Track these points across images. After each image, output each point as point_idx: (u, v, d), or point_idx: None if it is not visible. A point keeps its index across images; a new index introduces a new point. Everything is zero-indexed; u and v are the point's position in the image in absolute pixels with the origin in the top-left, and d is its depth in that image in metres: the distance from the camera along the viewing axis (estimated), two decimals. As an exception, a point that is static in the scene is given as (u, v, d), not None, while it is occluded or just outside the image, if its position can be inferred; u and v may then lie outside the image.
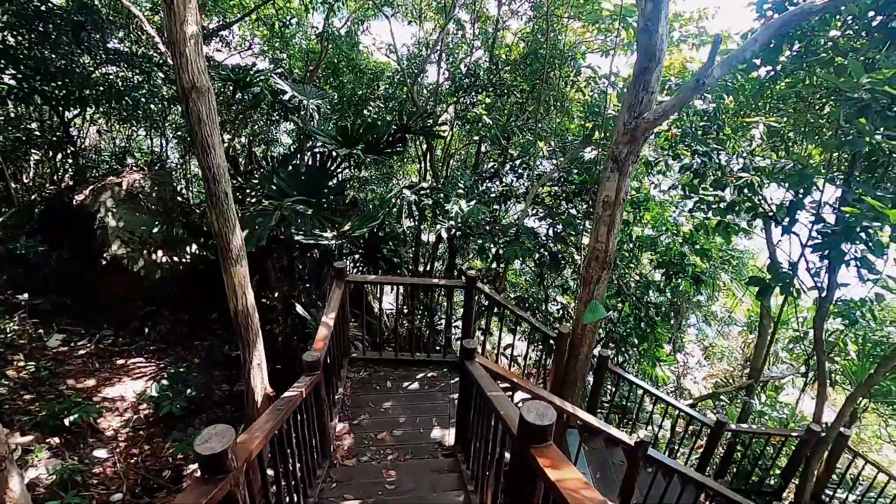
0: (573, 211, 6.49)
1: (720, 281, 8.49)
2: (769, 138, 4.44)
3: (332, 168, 6.70)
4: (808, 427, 4.98)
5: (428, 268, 9.57)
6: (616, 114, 5.33)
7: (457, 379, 4.74)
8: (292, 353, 6.37)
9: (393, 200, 6.06)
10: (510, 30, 8.99)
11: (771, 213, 4.70)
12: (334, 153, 6.33)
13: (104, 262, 6.84)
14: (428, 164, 9.46)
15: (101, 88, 7.25)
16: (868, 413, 6.86)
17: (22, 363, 6.11)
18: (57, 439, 5.29)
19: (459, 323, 9.21)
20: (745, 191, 3.98)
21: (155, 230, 7.34)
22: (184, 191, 9.68)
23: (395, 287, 7.94)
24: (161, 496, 5.02)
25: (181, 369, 6.63)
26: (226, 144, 10.77)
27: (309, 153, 7.33)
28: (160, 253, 7.36)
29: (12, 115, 8.74)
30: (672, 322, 7.42)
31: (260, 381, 3.14)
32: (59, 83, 6.83)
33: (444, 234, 5.41)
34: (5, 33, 6.61)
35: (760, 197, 4.42)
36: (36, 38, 6.73)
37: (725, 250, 8.53)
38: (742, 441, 5.48)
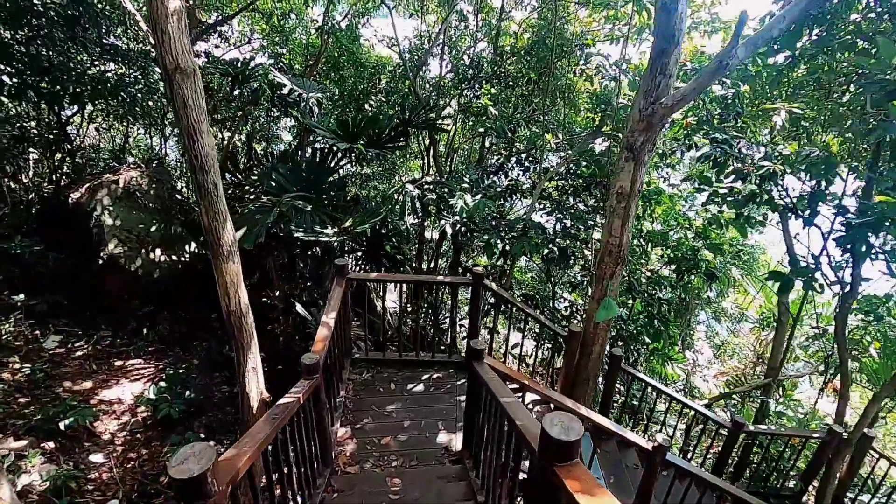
0: (581, 206, 6.28)
1: (732, 276, 8.26)
2: (791, 126, 4.23)
3: (333, 163, 6.52)
4: (830, 428, 4.77)
5: (431, 265, 9.39)
6: (627, 102, 5.13)
7: (463, 380, 4.55)
8: (294, 353, 6.21)
9: (395, 196, 5.87)
10: (514, 20, 8.77)
11: (791, 205, 4.48)
12: (335, 148, 6.15)
13: (101, 262, 6.68)
14: (431, 159, 9.26)
15: (97, 85, 7.09)
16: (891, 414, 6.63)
17: (17, 365, 5.97)
18: (52, 444, 5.14)
19: (464, 321, 9.05)
20: (768, 181, 3.76)
21: (153, 228, 7.18)
22: (183, 188, 9.51)
23: (398, 285, 7.76)
24: (158, 502, 4.87)
25: (180, 371, 6.48)
26: (225, 142, 10.62)
27: (309, 148, 7.15)
28: (158, 252, 7.21)
29: (11, 112, 8.61)
30: (681, 319, 7.20)
31: (255, 386, 2.96)
32: (53, 79, 6.67)
33: (449, 230, 5.22)
34: (-3, 28, 6.45)
35: (781, 187, 4.21)
36: (29, 32, 6.56)
37: (736, 245, 8.30)
38: (760, 442, 5.28)
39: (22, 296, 6.61)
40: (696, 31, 6.27)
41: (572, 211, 5.99)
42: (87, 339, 6.70)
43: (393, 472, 3.41)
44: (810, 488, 5.23)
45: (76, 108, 8.44)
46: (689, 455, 5.48)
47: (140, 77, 7.59)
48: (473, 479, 3.20)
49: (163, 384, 6.03)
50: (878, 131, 3.33)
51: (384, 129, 6.30)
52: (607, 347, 4.63)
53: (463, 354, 5.07)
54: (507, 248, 5.18)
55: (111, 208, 6.85)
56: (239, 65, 6.91)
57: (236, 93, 8.14)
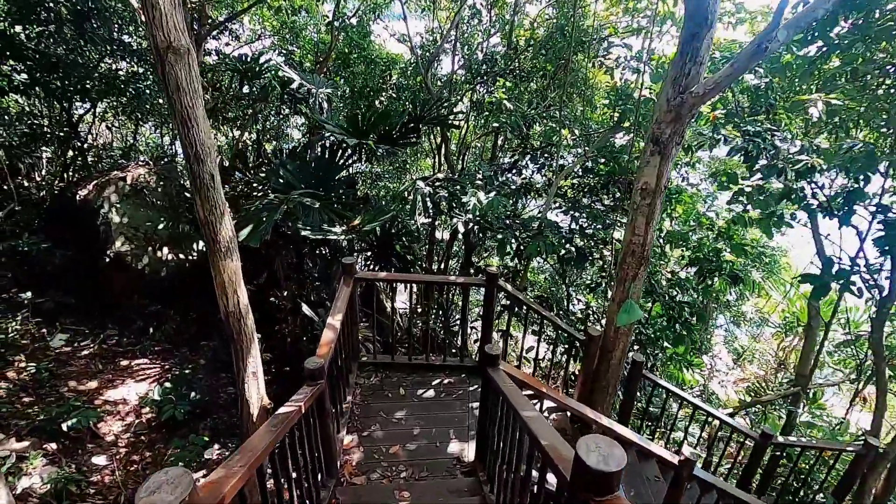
0: (598, 205, 6.04)
1: (754, 279, 7.93)
2: (829, 118, 3.96)
3: (342, 160, 6.36)
4: (866, 440, 4.47)
5: (442, 266, 9.20)
6: (650, 95, 4.89)
7: (475, 386, 4.35)
8: (301, 355, 6.07)
9: (406, 194, 5.68)
10: (528, 15, 8.56)
11: (825, 203, 4.21)
12: (344, 144, 5.98)
13: (107, 259, 6.60)
14: (442, 157, 9.08)
15: (106, 81, 7.03)
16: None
17: (23, 364, 5.90)
18: (54, 445, 5.04)
19: (476, 324, 8.85)
20: (804, 177, 3.50)
21: (160, 226, 7.08)
22: (192, 186, 9.43)
23: (408, 285, 7.57)
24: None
25: (186, 371, 6.37)
26: (235, 140, 10.54)
27: (319, 146, 7.01)
28: (166, 250, 7.11)
29: (26, 108, 8.61)
30: (702, 323, 6.91)
31: (256, 392, 2.78)
32: (62, 75, 6.61)
33: (462, 229, 5.02)
34: (6, 23, 6.40)
35: (816, 184, 3.94)
36: (38, 28, 6.51)
37: (756, 246, 7.98)
38: (788, 455, 4.99)
39: (29, 293, 6.55)
40: (719, 22, 5.99)
41: (589, 210, 5.75)
42: (94, 338, 6.62)
43: (402, 483, 3.22)
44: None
45: (88, 105, 8.43)
46: (713, 467, 5.21)
47: (150, 73, 7.51)
48: (487, 495, 3.00)
49: (168, 385, 5.92)
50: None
51: (395, 124, 6.13)
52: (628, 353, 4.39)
53: (475, 358, 4.87)
54: (522, 247, 4.96)
55: (118, 205, 6.77)
56: (248, 60, 6.79)
57: (245, 90, 8.05)
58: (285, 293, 6.88)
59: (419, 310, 7.45)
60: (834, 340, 6.46)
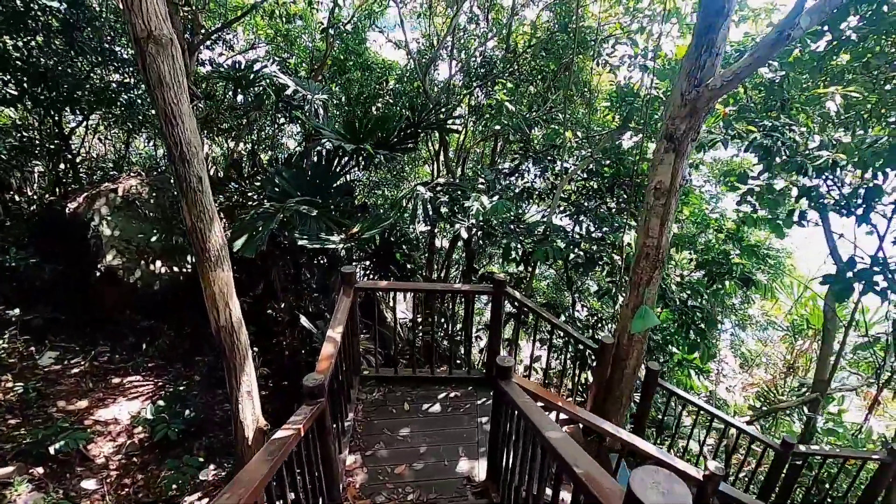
0: (603, 208, 5.88)
1: (762, 281, 7.77)
2: (846, 112, 3.83)
3: (339, 167, 6.20)
4: (892, 448, 4.28)
5: (442, 274, 9.01)
6: (658, 94, 4.74)
7: (484, 399, 4.14)
8: (300, 368, 5.86)
9: (404, 202, 5.51)
10: (525, 21, 8.46)
11: (842, 201, 4.05)
12: (341, 150, 5.82)
13: (98, 274, 6.38)
14: (441, 164, 8.93)
15: (96, 92, 6.86)
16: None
17: (10, 384, 5.67)
18: (41, 469, 4.80)
19: (479, 333, 8.63)
20: (824, 173, 3.35)
21: (153, 238, 6.88)
22: (186, 198, 9.24)
23: (411, 295, 7.38)
24: (153, 534, 4.50)
25: (180, 388, 6.14)
26: (230, 151, 10.37)
27: (315, 152, 6.84)
28: (159, 263, 6.90)
29: (17, 121, 8.44)
30: (714, 328, 6.72)
31: (251, 413, 2.58)
32: (50, 86, 6.45)
33: (464, 234, 4.84)
34: (-6, 34, 6.25)
35: (832, 181, 3.78)
36: (26, 38, 6.35)
37: (761, 248, 7.83)
38: (809, 464, 4.78)
39: (17, 310, 6.34)
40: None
41: (595, 213, 5.58)
42: (85, 356, 6.40)
43: (409, 506, 3.00)
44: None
45: (80, 118, 8.26)
46: (732, 479, 4.99)
47: (141, 83, 7.35)
48: (502, 518, 2.79)
49: (161, 403, 5.70)
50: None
51: (393, 130, 5.98)
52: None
53: (481, 369, 4.67)
54: (528, 253, 4.78)
55: (109, 218, 6.57)
56: (241, 67, 6.64)
57: (239, 98, 7.90)
58: (283, 305, 6.68)
59: (419, 319, 7.25)
60: (848, 343, 6.26)
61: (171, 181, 7.88)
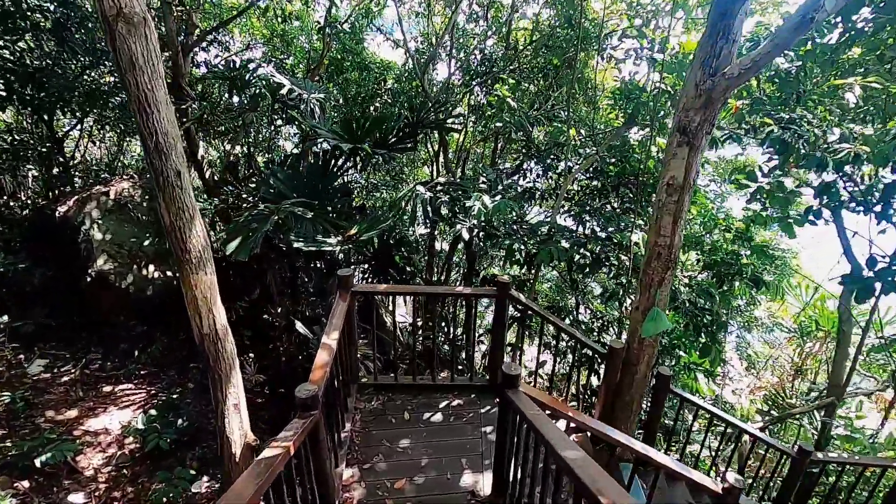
0: (608, 207, 5.71)
1: (773, 282, 7.60)
2: (865, 103, 3.67)
3: (336, 168, 6.03)
4: (914, 455, 4.11)
5: (442, 277, 8.84)
6: (666, 87, 4.58)
7: (488, 407, 3.96)
8: (296, 374, 5.68)
9: (402, 205, 5.33)
10: (526, 18, 8.33)
11: (860, 197, 3.88)
12: (338, 151, 5.66)
13: (89, 279, 6.21)
14: (441, 165, 8.77)
15: (87, 93, 6.70)
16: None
17: (-4, 394, 5.48)
18: (26, 483, 4.61)
19: (482, 338, 8.44)
20: (844, 167, 3.18)
21: (146, 243, 6.71)
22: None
23: (411, 298, 7.21)
24: (142, 551, 4.31)
25: (174, 396, 5.96)
26: (227, 153, 10.20)
27: (312, 153, 6.68)
28: (152, 267, 6.73)
29: (13, 124, 8.28)
30: (724, 330, 6.54)
31: (238, 427, 2.39)
32: (39, 86, 6.29)
33: (466, 235, 4.67)
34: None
35: (850, 177, 3.62)
36: (13, 37, 6.19)
37: (770, 248, 7.66)
38: (826, 472, 4.59)
39: (6, 317, 6.16)
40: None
41: (600, 212, 5.41)
42: (75, 363, 6.22)
43: (410, 524, 2.82)
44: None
45: (73, 120, 8.10)
46: (748, 489, 4.80)
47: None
48: (509, 536, 2.61)
49: (153, 412, 5.51)
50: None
51: (392, 129, 5.82)
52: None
53: (484, 375, 4.49)
54: (532, 254, 4.60)
55: (100, 222, 6.40)
56: (237, 66, 6.48)
57: (235, 100, 7.73)
58: (279, 309, 6.51)
59: (420, 323, 7.07)
60: (865, 346, 6.07)
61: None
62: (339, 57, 8.62)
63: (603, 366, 4.01)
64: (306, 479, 2.27)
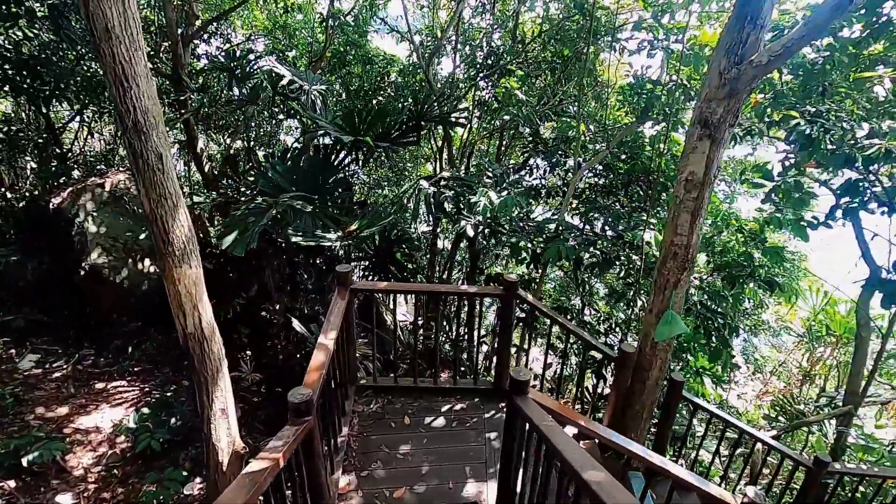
0: (617, 205, 5.53)
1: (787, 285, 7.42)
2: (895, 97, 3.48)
3: (337, 161, 5.86)
4: (936, 468, 3.93)
5: (444, 276, 8.67)
6: (682, 80, 4.39)
7: (493, 412, 3.79)
8: (294, 373, 5.52)
9: (405, 200, 5.16)
10: (532, 11, 8.14)
11: (884, 197, 3.69)
12: (339, 144, 5.49)
13: (83, 273, 6.05)
14: (444, 161, 8.59)
15: (83, 82, 6.55)
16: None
17: (-15, 389, 5.33)
18: (13, 483, 4.46)
19: (485, 339, 8.27)
20: (874, 163, 3.00)
21: (142, 236, 6.54)
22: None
23: (413, 296, 7.06)
24: (131, 555, 4.15)
25: (167, 394, 5.80)
26: (227, 147, 10.05)
27: (312, 146, 6.51)
28: (147, 261, 6.56)
29: (7, 115, 8.14)
30: (734, 333, 6.36)
31: (225, 434, 2.23)
32: (34, 74, 6.13)
33: (470, 232, 4.49)
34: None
35: (875, 174, 3.43)
36: (6, 24, 6.03)
37: (782, 250, 7.48)
38: (842, 484, 4.41)
39: (-2, 311, 6.02)
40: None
41: (610, 211, 5.23)
42: (67, 359, 6.06)
43: (409, 536, 2.65)
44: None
45: (72, 111, 7.96)
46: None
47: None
48: (515, 553, 2.44)
49: (145, 410, 5.35)
50: None
51: (395, 122, 5.64)
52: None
53: (488, 378, 4.32)
54: (539, 253, 4.43)
55: (95, 214, 6.24)
56: (237, 56, 6.31)
57: (235, 91, 7.56)
58: (277, 306, 6.35)
59: (421, 322, 6.90)
60: (874, 352, 5.90)
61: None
62: (343, 50, 8.45)
63: (612, 370, 3.84)
64: (298, 490, 2.10)
